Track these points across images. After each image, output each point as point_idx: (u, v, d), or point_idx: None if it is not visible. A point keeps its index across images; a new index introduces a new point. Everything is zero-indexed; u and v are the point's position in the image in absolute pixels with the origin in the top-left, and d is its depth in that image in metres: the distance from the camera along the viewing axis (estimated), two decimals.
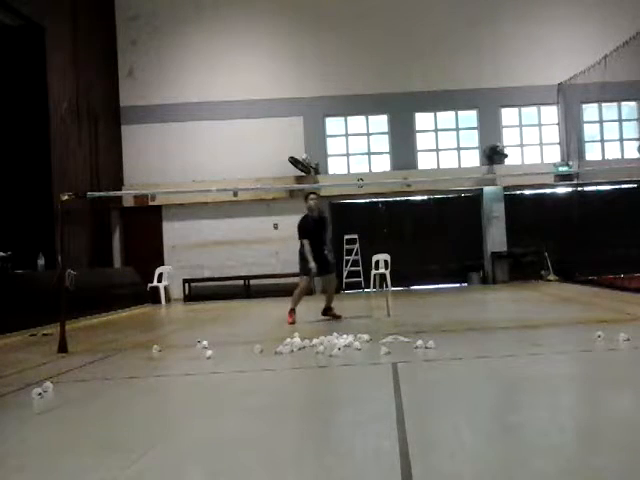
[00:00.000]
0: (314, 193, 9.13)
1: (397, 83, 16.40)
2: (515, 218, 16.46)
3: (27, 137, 12.62)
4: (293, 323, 8.45)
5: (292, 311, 8.71)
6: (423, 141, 16.88)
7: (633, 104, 16.94)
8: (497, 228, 16.39)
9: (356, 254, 16.13)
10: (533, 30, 16.36)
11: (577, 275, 14.80)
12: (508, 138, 16.81)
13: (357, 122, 16.95)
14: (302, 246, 8.76)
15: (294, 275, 16.10)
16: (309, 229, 8.83)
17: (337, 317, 8.88)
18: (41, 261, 11.57)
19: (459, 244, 16.58)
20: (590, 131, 16.91)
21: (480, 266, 16.56)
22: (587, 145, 16.84)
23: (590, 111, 16.86)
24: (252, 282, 16.10)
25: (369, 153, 16.92)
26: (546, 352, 5.36)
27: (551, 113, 16.83)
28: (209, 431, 3.47)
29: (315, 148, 16.47)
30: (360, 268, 16.13)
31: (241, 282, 16.12)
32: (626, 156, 16.47)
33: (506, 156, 16.34)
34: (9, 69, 12.59)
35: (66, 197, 7.18)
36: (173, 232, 16.51)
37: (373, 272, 15.87)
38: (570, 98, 16.32)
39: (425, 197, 16.87)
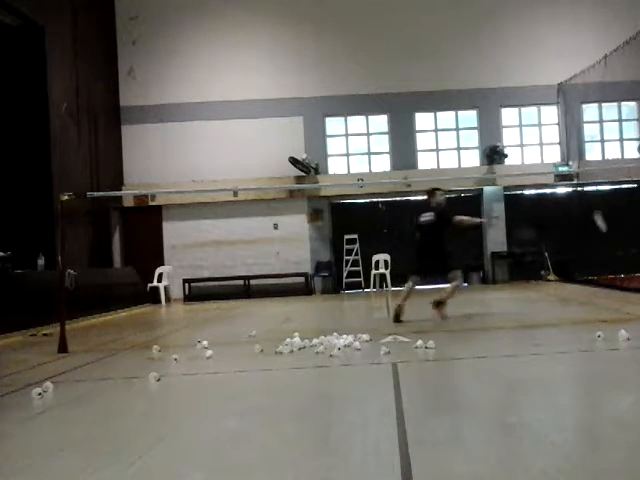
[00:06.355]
0: (438, 189, 8.87)
1: (397, 83, 16.39)
2: (515, 218, 16.45)
3: (27, 137, 12.60)
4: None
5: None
6: (423, 141, 16.88)
7: (633, 104, 16.93)
8: (497, 228, 16.39)
9: (356, 254, 16.13)
10: (533, 30, 16.37)
11: (577, 275, 14.80)
12: (508, 138, 16.81)
13: (357, 122, 16.95)
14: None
15: (294, 275, 16.28)
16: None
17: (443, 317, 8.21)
18: (41, 261, 11.55)
19: (459, 244, 16.53)
20: (590, 131, 16.91)
21: (480, 266, 16.55)
22: (587, 145, 16.84)
23: (590, 111, 16.86)
24: (252, 282, 16.10)
25: (369, 153, 16.91)
26: (546, 352, 5.36)
27: (551, 113, 16.83)
28: (209, 431, 3.47)
29: (315, 148, 16.47)
30: (360, 268, 16.14)
31: (241, 282, 16.12)
32: (626, 156, 16.47)
33: (506, 156, 16.33)
34: (9, 69, 12.57)
35: (66, 197, 7.17)
36: (173, 232, 16.51)
37: (373, 272, 15.87)
38: (570, 98, 16.32)
39: (425, 197, 16.80)
